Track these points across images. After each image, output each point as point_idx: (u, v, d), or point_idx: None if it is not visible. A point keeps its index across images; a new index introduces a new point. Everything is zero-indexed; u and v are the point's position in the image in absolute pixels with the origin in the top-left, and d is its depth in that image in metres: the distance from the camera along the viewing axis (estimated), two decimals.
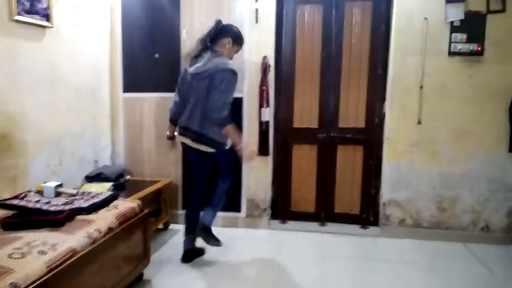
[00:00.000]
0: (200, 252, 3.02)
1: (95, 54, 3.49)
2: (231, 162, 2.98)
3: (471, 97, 3.26)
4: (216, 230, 3.52)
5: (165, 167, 3.73)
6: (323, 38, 3.54)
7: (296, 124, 3.67)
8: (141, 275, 2.64)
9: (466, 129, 3.29)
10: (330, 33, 3.53)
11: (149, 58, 3.65)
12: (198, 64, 2.76)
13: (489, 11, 3.14)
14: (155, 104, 3.69)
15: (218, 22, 2.83)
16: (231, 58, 2.86)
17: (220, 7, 3.50)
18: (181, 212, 3.72)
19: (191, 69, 2.80)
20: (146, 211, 2.62)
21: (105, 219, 2.24)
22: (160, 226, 3.51)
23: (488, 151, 3.29)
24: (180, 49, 3.58)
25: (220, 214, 3.63)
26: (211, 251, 3.11)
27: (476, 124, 3.28)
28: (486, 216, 3.36)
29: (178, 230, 3.56)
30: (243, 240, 3.41)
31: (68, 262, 1.82)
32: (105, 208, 2.39)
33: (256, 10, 3.43)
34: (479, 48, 3.17)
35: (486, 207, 3.34)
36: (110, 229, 2.20)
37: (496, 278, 2.77)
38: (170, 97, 3.59)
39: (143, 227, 2.58)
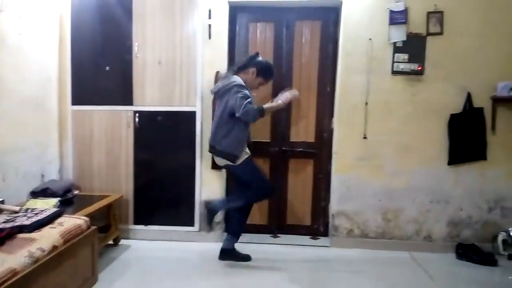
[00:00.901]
0: (241, 257, 3.21)
1: (42, 64, 3.39)
2: (249, 176, 3.11)
3: (413, 114, 3.46)
4: (167, 245, 3.54)
5: (115, 181, 3.65)
6: (274, 55, 3.65)
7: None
8: None
9: (408, 144, 3.49)
10: (281, 50, 3.65)
11: (100, 70, 3.59)
12: (218, 83, 3.15)
13: (429, 33, 3.36)
14: (106, 117, 3.62)
15: (256, 54, 3.15)
16: (254, 88, 3.15)
17: (172, 21, 3.51)
18: (133, 228, 3.66)
19: (212, 88, 3.23)
20: (93, 227, 2.56)
21: (49, 237, 2.17)
22: (110, 242, 3.42)
23: (429, 164, 3.50)
24: (132, 62, 3.55)
25: (172, 228, 3.65)
26: (163, 266, 3.09)
27: (418, 139, 3.48)
28: (428, 226, 3.55)
29: (129, 245, 3.49)
30: (196, 254, 3.39)
31: (8, 283, 1.75)
32: (50, 226, 2.32)
33: (209, 26, 3.48)
34: (419, 68, 3.38)
35: (428, 217, 3.54)
36: (55, 248, 2.14)
37: (437, 284, 2.94)
38: (121, 110, 3.59)
39: (90, 244, 2.52)
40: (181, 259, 3.28)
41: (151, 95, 3.56)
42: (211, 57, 3.52)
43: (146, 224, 3.66)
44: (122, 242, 3.55)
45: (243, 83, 2.97)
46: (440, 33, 3.36)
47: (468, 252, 3.37)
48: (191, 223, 3.65)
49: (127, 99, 3.56)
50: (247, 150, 3.09)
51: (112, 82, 3.59)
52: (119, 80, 3.58)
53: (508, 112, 3.40)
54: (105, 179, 3.66)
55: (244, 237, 3.71)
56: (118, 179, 3.66)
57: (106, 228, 3.37)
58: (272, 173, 3.76)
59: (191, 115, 3.55)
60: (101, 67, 3.58)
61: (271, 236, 3.78)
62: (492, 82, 3.36)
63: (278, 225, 3.80)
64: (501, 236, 3.42)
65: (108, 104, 3.59)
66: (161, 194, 3.66)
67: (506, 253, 3.38)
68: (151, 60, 3.54)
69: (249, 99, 2.89)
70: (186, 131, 3.57)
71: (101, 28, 3.57)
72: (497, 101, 3.38)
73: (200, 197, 3.62)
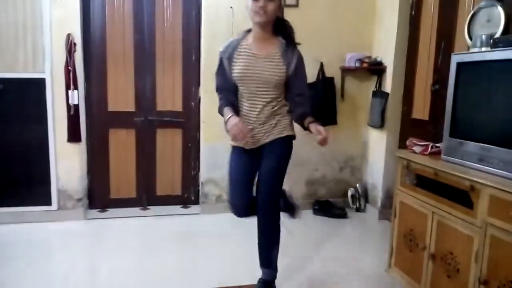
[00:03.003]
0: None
1: None
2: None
3: None
4: (22, 227, 3.22)
5: None
6: (134, 21, 3.47)
7: (111, 108, 3.52)
8: None
9: None
10: (142, 15, 3.47)
11: None
12: None
13: (286, 5, 3.45)
14: None
15: None
16: (255, 19, 2.09)
17: None
18: None
19: None
20: None
21: None
22: None
23: None
24: None
25: (26, 209, 3.33)
26: (16, 250, 2.80)
27: None
28: (288, 187, 3.78)
29: None
30: (55, 235, 3.15)
31: None
32: None
33: None
34: None
35: (288, 178, 3.74)
36: None
37: (296, 238, 3.21)
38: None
39: None
40: (38, 240, 3.02)
41: None
42: (60, 18, 3.17)
43: None
44: None
45: (223, 48, 2.21)
46: (296, 5, 3.55)
47: (323, 207, 3.76)
48: (48, 201, 3.35)
49: None
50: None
51: None
52: None
53: (354, 81, 3.80)
54: None
55: (111, 212, 3.59)
56: None
57: None
58: (139, 145, 3.64)
59: (40, 83, 3.19)
60: None
61: (140, 208, 3.69)
62: (342, 53, 3.69)
63: (147, 196, 3.72)
64: (350, 192, 3.89)
65: None
66: (9, 172, 3.27)
67: (355, 207, 3.86)
68: None
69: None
70: (36, 101, 3.21)
71: None
72: (345, 71, 3.74)
73: (56, 173, 3.33)
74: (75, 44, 3.19)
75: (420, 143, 2.37)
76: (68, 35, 3.17)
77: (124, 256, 2.81)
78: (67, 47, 3.15)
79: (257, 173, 2.26)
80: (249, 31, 2.19)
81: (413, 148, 2.40)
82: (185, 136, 3.73)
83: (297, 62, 2.16)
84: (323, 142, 2.04)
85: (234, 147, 2.29)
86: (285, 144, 2.27)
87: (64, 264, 2.69)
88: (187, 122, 3.70)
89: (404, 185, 2.41)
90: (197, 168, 3.75)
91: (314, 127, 2.08)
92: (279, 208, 2.31)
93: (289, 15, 3.47)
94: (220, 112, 2.19)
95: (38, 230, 3.19)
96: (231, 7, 3.41)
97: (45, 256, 2.79)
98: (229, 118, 2.05)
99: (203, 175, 3.67)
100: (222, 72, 2.19)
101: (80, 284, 2.46)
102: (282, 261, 2.76)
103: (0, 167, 3.25)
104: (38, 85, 3.19)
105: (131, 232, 3.24)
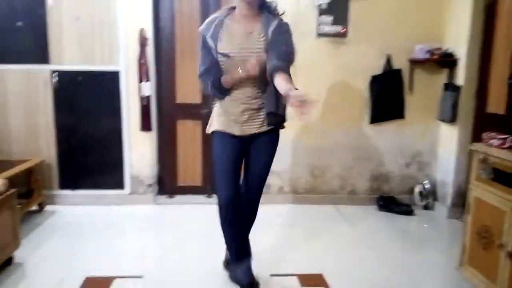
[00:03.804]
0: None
1: None
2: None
3: (337, 75, 3.58)
4: (97, 209, 3.46)
5: (35, 146, 3.46)
6: (202, 14, 3.53)
7: (179, 100, 3.67)
8: (11, 258, 2.47)
9: (334, 105, 3.62)
10: (208, 10, 3.55)
11: (11, 26, 3.30)
12: None
13: None
14: (21, 77, 3.37)
15: None
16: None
17: None
18: (59, 193, 3.53)
19: None
20: (12, 190, 2.43)
21: None
22: (34, 208, 3.28)
23: (352, 123, 3.68)
24: (46, 16, 3.30)
25: (102, 192, 3.58)
26: (91, 230, 3.04)
27: (342, 100, 3.63)
28: (352, 181, 3.78)
29: (55, 211, 3.38)
30: (127, 217, 3.36)
31: None
32: None
33: None
34: (343, 30, 3.48)
35: (352, 173, 3.76)
36: None
37: (360, 233, 3.16)
38: (37, 69, 3.35)
39: (9, 207, 2.40)
40: (112, 222, 3.25)
41: (70, 53, 3.37)
42: (134, 14, 3.37)
43: (73, 188, 3.55)
44: (48, 207, 3.42)
45: (204, 26, 2.11)
46: None
47: (388, 203, 3.64)
48: (121, 186, 3.58)
49: (43, 58, 3.34)
50: (223, 118, 2.18)
51: (25, 39, 3.32)
52: (33, 37, 3.33)
53: (423, 73, 3.63)
54: (24, 143, 3.46)
55: (179, 198, 3.76)
56: (39, 143, 3.47)
57: (29, 193, 3.22)
58: (205, 136, 3.75)
59: (115, 75, 3.41)
60: (12, 23, 3.29)
61: (205, 196, 3.81)
62: (410, 44, 3.54)
63: (212, 185, 3.82)
64: (417, 188, 3.72)
65: (22, 63, 3.34)
66: (88, 158, 3.54)
67: (422, 204, 3.69)
68: (67, 15, 3.32)
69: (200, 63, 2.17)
70: (111, 92, 3.44)
71: None
72: (414, 63, 3.59)
73: (130, 160, 3.55)
74: (147, 38, 3.37)
75: (499, 136, 2.23)
76: (141, 30, 3.35)
77: (191, 239, 2.94)
78: (140, 41, 3.34)
79: (245, 162, 2.24)
80: (233, 8, 2.12)
81: (489, 141, 2.26)
82: None
83: (276, 27, 2.03)
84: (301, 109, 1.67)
85: (217, 134, 2.19)
86: (276, 136, 2.26)
87: (135, 243, 2.88)
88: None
89: (479, 180, 2.27)
90: None
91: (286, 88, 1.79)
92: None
93: (356, 6, 3.45)
94: (213, 88, 2.10)
95: (112, 212, 3.43)
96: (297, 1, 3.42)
97: (118, 236, 2.99)
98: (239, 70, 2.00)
99: None
100: (208, 52, 2.09)
101: (150, 263, 2.60)
102: (346, 255, 2.76)
103: (79, 153, 3.53)
104: (113, 77, 3.42)
105: (196, 218, 3.37)
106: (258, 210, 2.36)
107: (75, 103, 3.46)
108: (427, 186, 3.68)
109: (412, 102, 3.67)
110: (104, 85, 3.44)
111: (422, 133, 3.74)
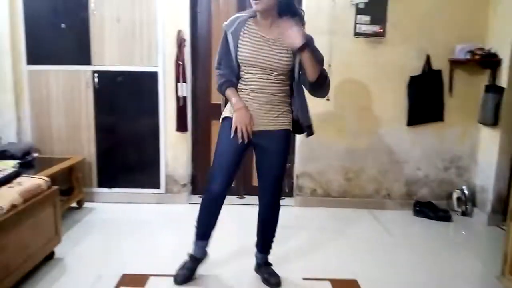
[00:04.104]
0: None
1: None
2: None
3: (374, 76, 3.51)
4: (133, 207, 3.54)
5: (76, 144, 3.57)
6: None
7: (214, 100, 3.70)
8: (52, 253, 2.56)
9: (370, 106, 3.56)
10: (245, 9, 3.58)
11: (55, 28, 3.42)
12: None
13: None
14: (63, 77, 3.49)
15: None
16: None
17: None
18: (97, 190, 3.63)
19: None
20: (54, 187, 2.52)
21: (7, 196, 2.12)
22: (74, 204, 3.39)
23: (388, 125, 3.60)
24: (88, 19, 3.40)
25: (137, 190, 3.65)
26: (128, 227, 3.11)
27: (379, 101, 3.56)
28: (387, 185, 3.70)
29: (93, 208, 3.48)
30: (162, 216, 3.42)
31: None
32: (8, 185, 2.26)
33: None
34: (381, 30, 3.41)
35: (387, 176, 3.68)
36: (14, 206, 2.10)
37: (395, 239, 3.09)
38: (79, 70, 3.47)
39: (51, 204, 2.48)
40: (147, 220, 3.31)
41: (110, 54, 3.45)
42: (172, 15, 3.42)
43: (110, 186, 3.63)
44: (86, 205, 3.52)
45: (228, 22, 2.16)
46: None
47: (425, 209, 3.53)
48: (157, 185, 3.65)
49: (85, 59, 3.44)
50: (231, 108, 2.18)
51: (68, 40, 3.44)
52: (76, 38, 3.44)
53: (464, 74, 3.52)
54: (66, 142, 3.57)
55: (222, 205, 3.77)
56: (80, 142, 3.58)
57: (69, 191, 3.33)
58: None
59: (153, 76, 3.48)
60: (56, 25, 3.41)
61: (237, 197, 3.84)
62: (451, 44, 3.45)
63: (244, 186, 3.85)
64: (455, 194, 3.60)
65: (65, 64, 3.46)
66: (125, 157, 3.62)
67: (460, 210, 3.57)
68: (109, 17, 3.40)
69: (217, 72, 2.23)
70: (149, 92, 3.51)
71: None
72: (455, 64, 3.48)
73: (165, 159, 3.61)
74: (184, 39, 3.41)
75: None
76: (179, 31, 3.40)
77: (223, 239, 2.92)
78: (177, 43, 3.39)
79: (257, 163, 2.22)
80: None
81: None
82: None
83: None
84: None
85: (227, 122, 2.16)
86: (288, 138, 2.21)
87: (169, 242, 2.93)
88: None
89: None
90: (292, 160, 3.79)
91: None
92: (280, 200, 2.30)
93: (394, 5, 3.38)
94: (222, 91, 2.15)
95: (147, 211, 3.49)
96: (332, 0, 3.37)
97: (153, 234, 3.05)
98: (238, 108, 2.05)
99: (298, 168, 3.69)
100: (226, 48, 2.12)
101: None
102: (381, 261, 2.70)
103: (117, 152, 3.62)
104: (151, 78, 3.48)
105: (229, 218, 3.33)
106: (280, 212, 2.34)
107: (115, 102, 3.55)
108: (466, 191, 3.55)
109: (451, 104, 3.56)
110: (142, 86, 3.51)
111: (461, 136, 3.62)
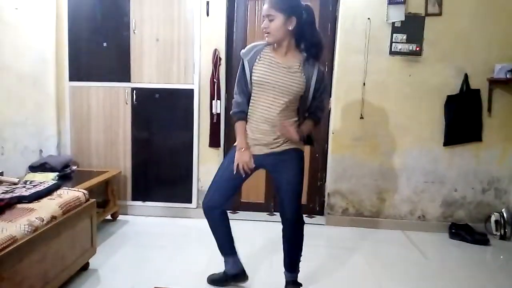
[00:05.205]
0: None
1: (39, 40, 3.38)
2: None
3: (409, 94, 3.47)
4: (165, 220, 3.60)
5: (113, 158, 3.68)
6: None
7: None
8: (87, 264, 2.62)
9: (405, 125, 3.51)
10: None
11: (97, 46, 3.58)
12: None
13: (427, 14, 3.35)
14: (103, 94, 3.63)
15: None
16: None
17: None
18: (131, 203, 3.71)
19: None
20: (92, 200, 2.60)
21: (48, 207, 2.20)
22: (109, 217, 3.47)
23: (425, 145, 3.52)
24: (129, 38, 3.54)
25: (170, 204, 3.71)
26: (161, 241, 3.16)
27: (414, 120, 3.50)
28: (422, 206, 3.60)
29: (127, 221, 3.55)
30: (194, 230, 3.45)
31: (8, 249, 1.79)
32: (48, 197, 2.35)
33: (207, 3, 3.47)
34: (417, 48, 3.38)
35: (422, 197, 3.59)
36: (53, 218, 2.17)
37: (431, 262, 2.99)
38: (119, 86, 3.59)
39: (89, 216, 2.55)
40: (179, 234, 3.34)
41: (149, 72, 3.57)
42: (208, 35, 3.51)
43: (144, 200, 3.71)
44: (120, 217, 3.60)
45: (245, 50, 2.21)
46: (439, 14, 3.35)
47: (461, 231, 3.42)
48: (189, 200, 3.69)
49: (125, 76, 3.57)
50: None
51: (109, 58, 3.58)
52: (117, 56, 3.57)
53: (504, 94, 3.42)
54: (103, 156, 3.69)
55: (241, 214, 3.80)
56: (116, 156, 3.69)
57: (105, 203, 3.41)
58: None
59: (189, 93, 3.56)
60: (98, 43, 3.57)
61: (267, 214, 3.83)
62: (490, 63, 3.37)
63: (274, 203, 3.84)
64: (494, 217, 3.47)
65: (105, 81, 3.60)
66: (159, 171, 3.70)
67: (498, 234, 3.43)
68: (148, 36, 3.53)
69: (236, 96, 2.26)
70: (184, 109, 3.59)
71: (99, 3, 3.54)
72: (494, 83, 3.39)
73: (197, 175, 3.66)
74: (220, 58, 3.49)
75: None
76: (215, 50, 3.48)
77: (253, 256, 2.95)
78: (213, 61, 3.47)
79: (275, 186, 2.29)
80: None
81: None
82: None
83: (318, 75, 2.13)
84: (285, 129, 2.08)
85: (235, 148, 2.25)
86: (300, 157, 2.24)
87: (200, 257, 2.93)
88: (315, 132, 3.72)
89: None
90: (323, 178, 3.76)
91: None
92: (302, 217, 2.32)
93: (431, 24, 3.35)
94: (233, 121, 2.24)
95: (178, 225, 3.54)
96: (368, 18, 3.38)
97: (184, 248, 3.07)
98: (242, 149, 2.17)
99: (329, 186, 3.66)
100: (242, 73, 2.19)
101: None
102: (415, 284, 2.62)
103: (151, 166, 3.70)
104: (187, 95, 3.56)
105: (259, 234, 3.37)
106: (303, 232, 2.33)
107: (151, 118, 3.64)
108: (505, 214, 3.41)
109: (490, 124, 3.46)
110: (178, 102, 3.60)
111: (500, 157, 3.50)
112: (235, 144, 2.27)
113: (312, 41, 2.12)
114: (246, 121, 2.21)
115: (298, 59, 2.13)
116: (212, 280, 2.52)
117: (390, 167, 3.56)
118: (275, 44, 2.12)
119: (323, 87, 2.21)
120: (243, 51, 2.20)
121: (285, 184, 2.22)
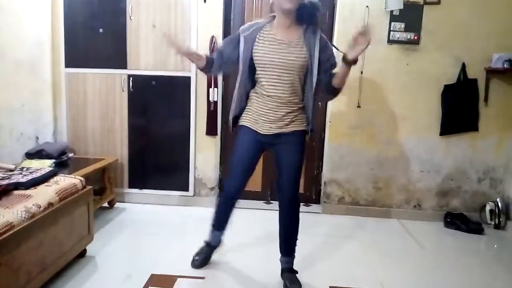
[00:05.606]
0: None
1: (35, 26, 3.34)
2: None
3: (407, 83, 3.47)
4: (162, 208, 3.61)
5: (110, 145, 3.67)
6: None
7: None
8: (85, 251, 2.63)
9: (402, 114, 3.51)
10: None
11: (93, 32, 3.54)
12: None
13: (426, 3, 3.34)
14: (100, 80, 3.60)
15: None
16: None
17: None
18: (128, 191, 3.71)
19: None
20: (89, 187, 2.60)
21: (45, 194, 2.20)
22: (105, 204, 3.47)
23: (421, 134, 3.54)
24: (126, 24, 3.50)
25: (166, 192, 3.71)
26: (157, 228, 3.17)
27: (411, 109, 3.50)
28: (418, 195, 3.63)
29: (124, 208, 3.56)
30: (191, 218, 3.46)
31: (4, 236, 1.79)
32: (45, 184, 2.35)
33: None
34: (415, 37, 3.37)
35: (418, 186, 3.61)
36: (50, 204, 2.17)
37: (425, 251, 3.02)
38: (115, 73, 3.57)
39: (86, 203, 2.56)
40: (175, 222, 3.36)
41: (145, 59, 3.54)
42: (206, 21, 3.47)
43: (140, 188, 3.71)
44: (117, 205, 3.61)
45: (245, 26, 2.27)
46: (438, 3, 3.33)
47: (456, 220, 3.45)
48: (186, 188, 3.70)
49: (121, 63, 3.54)
50: (248, 117, 2.28)
51: (106, 45, 3.54)
52: (113, 43, 3.54)
53: (501, 84, 3.43)
54: (100, 143, 3.68)
55: (238, 203, 3.79)
56: (113, 143, 3.67)
57: (102, 191, 3.42)
58: None
59: (186, 81, 3.54)
60: (94, 30, 3.53)
61: (264, 202, 3.85)
62: (487, 53, 3.37)
63: (271, 191, 3.86)
64: (488, 206, 3.51)
65: (102, 67, 3.57)
66: (156, 159, 3.69)
67: (493, 223, 3.47)
68: (145, 23, 3.49)
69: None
70: (181, 97, 3.57)
71: None
72: (491, 73, 3.39)
73: (194, 163, 3.66)
74: (217, 45, 3.46)
75: None
76: (212, 37, 3.45)
77: (250, 244, 2.97)
78: (210, 48, 3.44)
79: (276, 164, 2.29)
80: (273, 17, 2.19)
81: None
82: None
83: (321, 42, 2.13)
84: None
85: (244, 128, 2.29)
86: (303, 138, 2.28)
87: (197, 244, 2.92)
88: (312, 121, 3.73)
89: None
90: (320, 167, 3.78)
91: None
92: (300, 200, 2.36)
93: (430, 13, 3.33)
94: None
95: (175, 213, 3.55)
96: (367, 6, 3.35)
97: (181, 236, 3.08)
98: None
99: (326, 174, 3.67)
100: (229, 44, 2.25)
101: (211, 265, 2.63)
102: (409, 272, 2.65)
103: (148, 154, 3.69)
104: (184, 83, 3.54)
105: (256, 223, 3.39)
106: (299, 216, 2.37)
107: (148, 106, 3.62)
108: (500, 204, 3.44)
109: (486, 113, 3.47)
110: (175, 90, 3.58)
111: (496, 147, 3.52)
112: (239, 125, 2.32)
113: (308, 6, 2.13)
114: (211, 66, 2.28)
115: (299, 32, 2.14)
116: (199, 261, 2.59)
117: (387, 156, 3.58)
118: (281, 17, 2.12)
119: (331, 61, 2.17)
120: (242, 26, 2.24)
121: (290, 164, 2.25)
